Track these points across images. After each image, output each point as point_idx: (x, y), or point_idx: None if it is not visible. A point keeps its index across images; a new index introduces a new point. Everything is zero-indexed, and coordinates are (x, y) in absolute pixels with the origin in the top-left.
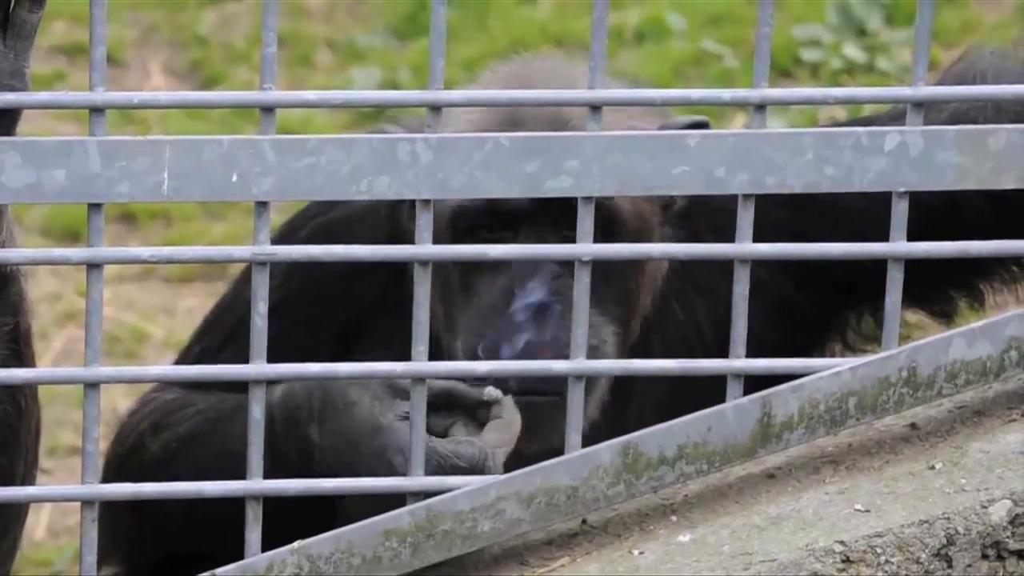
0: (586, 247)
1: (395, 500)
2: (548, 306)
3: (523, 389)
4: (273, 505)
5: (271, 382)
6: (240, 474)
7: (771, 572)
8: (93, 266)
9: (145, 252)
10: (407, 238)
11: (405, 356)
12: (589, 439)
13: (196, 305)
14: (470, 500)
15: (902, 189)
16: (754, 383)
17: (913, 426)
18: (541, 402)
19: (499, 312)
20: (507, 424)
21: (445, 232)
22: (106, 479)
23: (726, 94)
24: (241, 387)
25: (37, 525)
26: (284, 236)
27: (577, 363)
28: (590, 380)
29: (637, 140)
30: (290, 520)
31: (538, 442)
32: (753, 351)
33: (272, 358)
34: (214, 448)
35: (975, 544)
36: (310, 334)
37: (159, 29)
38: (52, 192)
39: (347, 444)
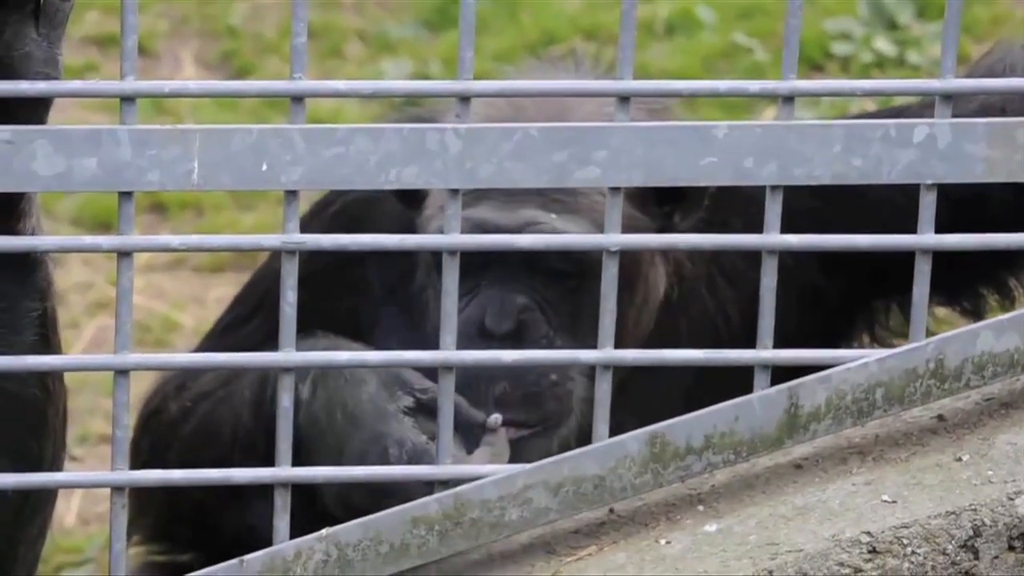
0: (613, 237)
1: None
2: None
3: (513, 421)
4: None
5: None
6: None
7: (797, 562)
8: (123, 254)
9: (175, 240)
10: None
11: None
12: (617, 427)
13: (226, 295)
14: (498, 488)
15: (930, 181)
16: (780, 371)
17: (940, 418)
18: (528, 435)
19: (469, 341)
20: (497, 454)
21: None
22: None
23: (753, 86)
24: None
25: (67, 512)
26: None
27: (605, 352)
28: (563, 414)
29: (665, 131)
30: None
31: None
32: (779, 338)
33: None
34: (224, 404)
35: (1001, 536)
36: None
37: (190, 20)
38: (83, 180)
39: (345, 417)
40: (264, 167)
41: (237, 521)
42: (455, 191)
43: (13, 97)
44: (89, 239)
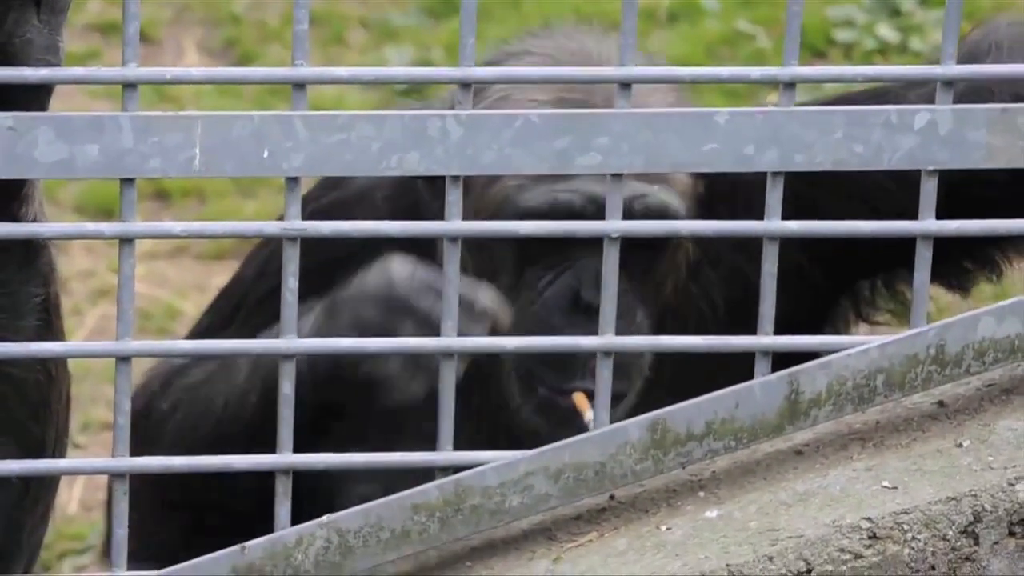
0: (614, 224)
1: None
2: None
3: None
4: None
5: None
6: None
7: (798, 548)
8: (125, 241)
9: (177, 227)
10: (426, 214)
11: None
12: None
13: None
14: (499, 475)
15: (931, 167)
16: (776, 358)
17: (941, 404)
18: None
19: (561, 313)
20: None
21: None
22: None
23: (755, 72)
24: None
25: (71, 500)
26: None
27: (606, 339)
28: (632, 364)
29: (667, 117)
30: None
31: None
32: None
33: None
34: (215, 393)
35: (1002, 521)
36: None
37: (193, 8)
38: (85, 167)
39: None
40: (265, 154)
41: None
42: (456, 177)
43: (15, 84)
44: (91, 226)
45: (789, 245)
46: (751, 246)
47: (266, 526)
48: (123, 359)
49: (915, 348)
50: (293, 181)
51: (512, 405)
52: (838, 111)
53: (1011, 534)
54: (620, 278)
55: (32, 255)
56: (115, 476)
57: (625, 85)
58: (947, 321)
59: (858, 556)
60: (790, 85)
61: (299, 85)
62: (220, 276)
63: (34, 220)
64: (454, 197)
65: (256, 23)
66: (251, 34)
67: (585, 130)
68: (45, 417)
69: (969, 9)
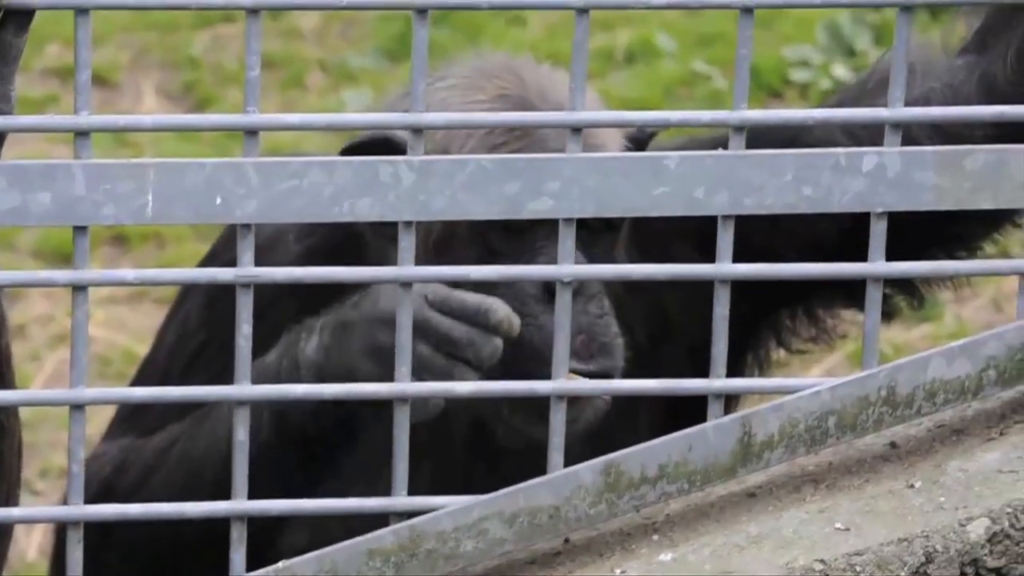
0: (568, 268)
1: None
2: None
3: (591, 372)
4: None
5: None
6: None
7: None
8: (78, 288)
9: (130, 274)
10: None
11: None
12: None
13: None
14: (453, 520)
15: (880, 209)
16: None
17: (893, 445)
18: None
19: (535, 301)
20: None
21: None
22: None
23: (705, 116)
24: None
25: (29, 546)
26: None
27: (559, 383)
28: (613, 344)
29: (617, 161)
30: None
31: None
32: (691, 353)
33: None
34: (185, 460)
35: (954, 562)
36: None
37: (152, 51)
38: (37, 215)
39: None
40: (218, 200)
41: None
42: (408, 223)
43: None
44: (44, 274)
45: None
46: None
47: (221, 572)
48: (77, 407)
49: (866, 390)
50: (246, 228)
51: (505, 417)
52: (788, 154)
53: (963, 575)
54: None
55: None
56: (70, 524)
57: (576, 129)
58: (898, 362)
59: None
60: (739, 128)
61: (251, 132)
62: None
63: None
64: (407, 243)
65: (214, 66)
66: (209, 77)
67: (536, 175)
68: None
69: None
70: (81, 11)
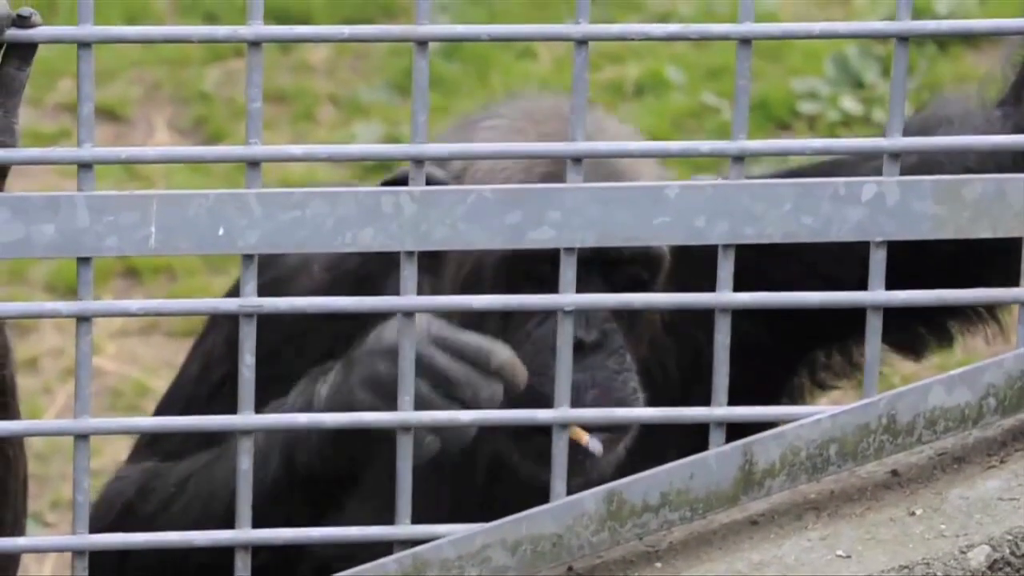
0: (569, 297)
1: None
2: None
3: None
4: None
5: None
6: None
7: None
8: (82, 319)
9: (133, 305)
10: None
11: None
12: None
13: None
14: (456, 548)
15: (879, 239)
16: (730, 427)
17: (894, 473)
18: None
19: (552, 352)
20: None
21: (495, 269)
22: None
23: (704, 146)
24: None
25: None
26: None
27: (561, 412)
28: (629, 400)
29: (617, 191)
30: None
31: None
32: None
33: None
34: (203, 492)
35: None
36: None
37: (163, 86)
38: (41, 247)
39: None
40: (221, 231)
41: None
42: (411, 253)
43: None
44: (49, 305)
45: (746, 316)
46: (702, 313)
47: None
48: (82, 437)
49: (867, 418)
50: (248, 258)
51: (508, 461)
52: (787, 183)
53: None
54: (608, 318)
55: None
56: (76, 553)
57: (576, 160)
58: (898, 390)
59: None
60: (739, 158)
61: (253, 163)
62: None
63: None
64: (408, 272)
65: (226, 100)
66: (221, 112)
67: (537, 205)
68: (3, 499)
69: (932, 79)
70: (83, 45)
